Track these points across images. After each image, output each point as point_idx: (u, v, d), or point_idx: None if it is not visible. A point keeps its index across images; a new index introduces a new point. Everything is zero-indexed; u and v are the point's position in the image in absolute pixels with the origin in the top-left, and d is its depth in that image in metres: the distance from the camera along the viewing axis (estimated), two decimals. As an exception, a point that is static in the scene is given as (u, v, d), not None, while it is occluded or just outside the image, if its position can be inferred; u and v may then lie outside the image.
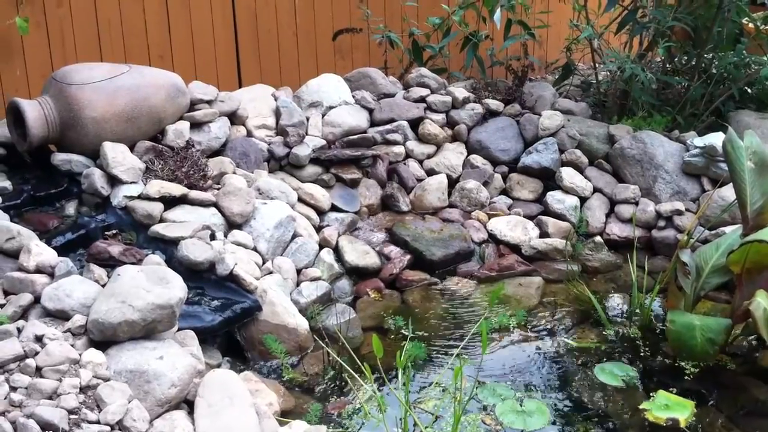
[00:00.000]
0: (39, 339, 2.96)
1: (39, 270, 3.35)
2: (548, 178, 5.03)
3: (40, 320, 3.11)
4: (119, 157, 4.03)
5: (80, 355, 2.93)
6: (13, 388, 2.74)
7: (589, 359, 3.74)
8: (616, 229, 4.76)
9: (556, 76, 6.39)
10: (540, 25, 5.79)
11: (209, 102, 4.62)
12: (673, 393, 3.44)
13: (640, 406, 3.37)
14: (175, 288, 3.14)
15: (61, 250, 3.58)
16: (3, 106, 5.14)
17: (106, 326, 2.99)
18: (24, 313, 3.19)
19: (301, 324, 3.76)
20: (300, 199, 4.51)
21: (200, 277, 3.70)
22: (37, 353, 2.88)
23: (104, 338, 3.03)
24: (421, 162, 5.12)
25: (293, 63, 6.31)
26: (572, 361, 3.75)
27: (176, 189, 4.01)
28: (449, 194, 4.98)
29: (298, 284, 4.11)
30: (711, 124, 5.29)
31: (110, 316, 2.99)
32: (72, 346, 2.98)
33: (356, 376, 3.43)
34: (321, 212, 4.58)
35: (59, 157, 4.05)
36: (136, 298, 3.04)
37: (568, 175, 4.92)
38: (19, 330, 3.02)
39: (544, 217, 4.79)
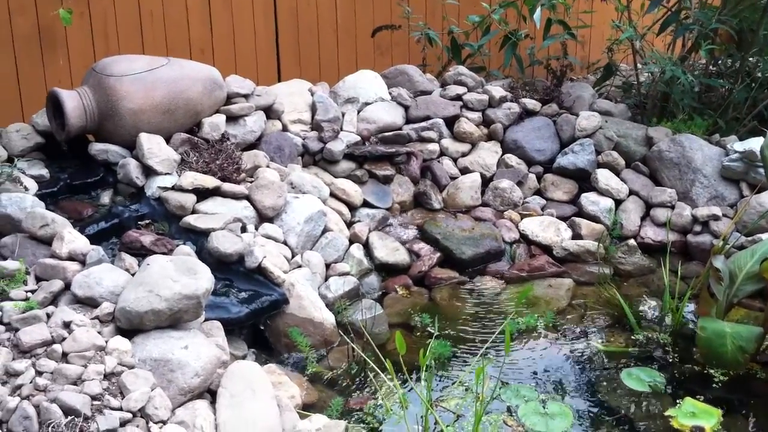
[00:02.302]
0: (67, 325, 3.02)
1: (71, 257, 3.41)
2: (583, 180, 4.98)
3: (70, 307, 3.17)
4: (155, 148, 4.08)
5: (106, 342, 2.98)
6: (39, 373, 2.80)
7: (616, 363, 3.70)
8: (651, 233, 4.69)
9: (598, 76, 6.32)
10: (581, 25, 5.72)
11: (246, 96, 4.65)
12: (701, 401, 3.39)
13: (666, 413, 3.32)
14: (202, 279, 3.17)
15: (95, 239, 3.64)
16: (45, 96, 5.25)
17: (133, 314, 3.04)
18: (54, 299, 3.25)
19: (328, 318, 3.78)
20: (332, 194, 4.53)
21: (229, 268, 3.74)
22: (64, 339, 2.94)
23: (131, 326, 3.08)
24: (455, 160, 5.11)
25: (333, 59, 6.33)
26: (599, 364, 3.71)
27: (209, 181, 4.05)
28: (482, 193, 4.96)
29: (326, 279, 4.13)
30: (753, 129, 5.19)
31: (137, 304, 3.04)
32: (99, 333, 3.03)
33: (380, 372, 3.44)
34: (353, 208, 4.59)
35: (96, 147, 4.12)
36: (163, 288, 3.08)
37: (603, 176, 4.86)
38: (48, 316, 3.08)
39: (577, 219, 4.75)
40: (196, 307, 3.13)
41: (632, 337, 3.91)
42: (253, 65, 5.99)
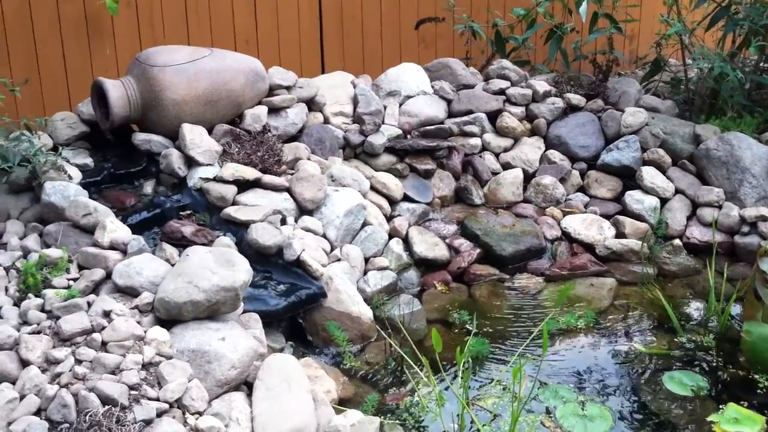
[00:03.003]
0: (107, 314, 3.05)
1: (112, 246, 3.44)
2: (628, 177, 4.89)
3: (110, 296, 3.19)
4: (197, 139, 4.10)
5: (145, 332, 3.00)
6: (78, 361, 2.83)
7: (658, 366, 3.63)
8: (697, 233, 4.60)
9: (646, 71, 6.21)
10: (628, 19, 5.61)
11: (288, 88, 4.65)
12: (744, 406, 3.31)
13: (708, 418, 3.24)
14: (241, 271, 3.18)
15: (137, 228, 3.67)
16: (91, 82, 5.31)
17: (172, 305, 3.05)
18: (95, 288, 3.28)
19: (365, 313, 3.76)
20: (372, 188, 4.50)
21: (268, 261, 3.74)
22: (103, 328, 2.97)
23: (169, 317, 3.09)
24: (497, 155, 5.05)
25: (377, 51, 6.30)
26: (641, 367, 3.65)
27: (250, 173, 4.06)
28: (524, 189, 4.90)
29: (365, 273, 4.12)
30: (804, 128, 5.06)
31: (176, 295, 3.05)
32: (138, 323, 3.05)
33: (416, 368, 3.42)
34: (393, 202, 4.57)
35: (139, 137, 4.15)
36: (202, 279, 3.09)
37: (649, 174, 4.77)
38: (89, 304, 3.11)
39: (621, 217, 4.66)
40: (233, 299, 3.14)
41: (675, 340, 3.83)
42: (296, 57, 5.99)
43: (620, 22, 5.52)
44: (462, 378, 3.20)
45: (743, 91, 5.24)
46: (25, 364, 2.81)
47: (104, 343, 2.92)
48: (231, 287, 3.10)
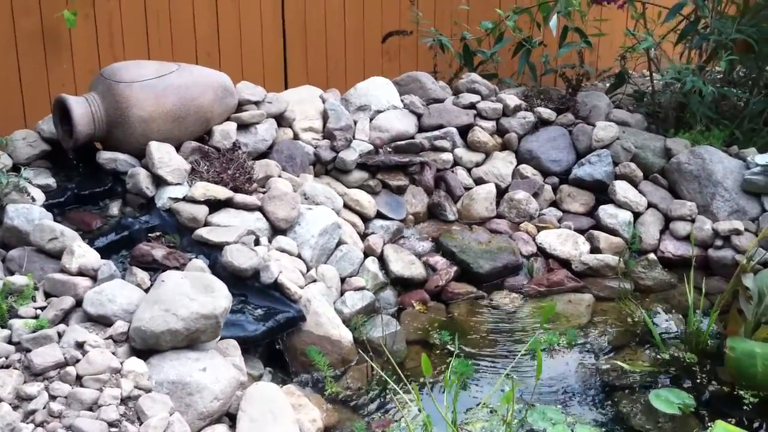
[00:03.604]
0: (80, 346, 2.90)
1: (81, 272, 3.29)
2: (601, 191, 4.87)
3: (81, 325, 3.04)
4: (165, 157, 3.95)
5: (122, 363, 2.86)
6: (53, 397, 2.68)
7: (643, 383, 3.59)
8: (671, 247, 4.59)
9: (608, 84, 6.22)
10: (597, 33, 5.61)
11: (257, 103, 4.53)
12: (732, 423, 3.27)
13: (698, 438, 3.22)
14: (220, 297, 3.06)
15: (104, 251, 3.51)
16: (49, 101, 5.13)
17: (149, 335, 2.92)
18: (65, 317, 3.12)
19: (345, 336, 3.65)
20: (345, 205, 4.40)
21: (244, 284, 3.61)
22: (78, 361, 2.82)
23: (146, 347, 2.95)
24: (469, 170, 4.99)
25: (340, 64, 6.21)
26: (625, 384, 3.60)
27: (221, 192, 3.93)
28: (497, 204, 4.84)
29: (341, 293, 4.01)
30: (771, 141, 5.10)
31: (153, 324, 2.92)
32: (113, 353, 2.91)
33: (401, 392, 3.33)
34: (366, 219, 4.47)
35: (104, 156, 3.99)
36: (180, 307, 2.96)
37: (621, 188, 4.76)
38: (60, 335, 2.96)
39: (595, 232, 4.63)
40: (214, 327, 3.01)
41: (657, 356, 3.80)
42: (260, 68, 5.86)
43: (589, 36, 5.51)
44: (448, 402, 3.11)
45: (711, 104, 5.26)
46: (-6, 401, 2.65)
47: (79, 377, 2.77)
48: (211, 314, 2.98)
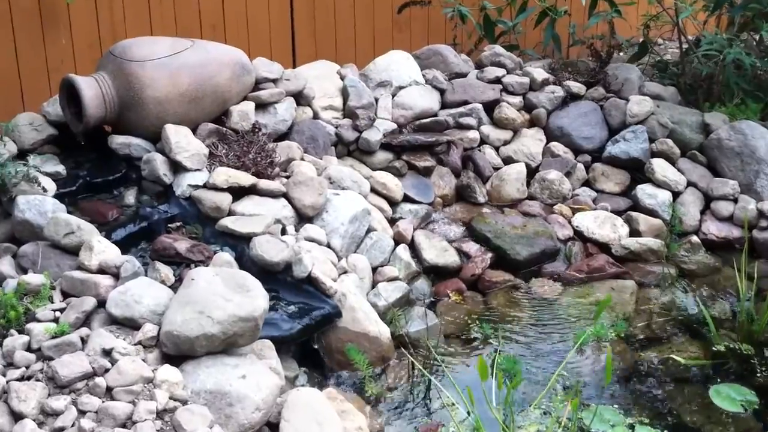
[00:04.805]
0: (107, 353, 2.66)
1: (102, 270, 3.03)
2: (636, 170, 4.62)
3: (106, 329, 2.79)
4: (183, 141, 3.67)
5: (154, 372, 2.61)
6: (82, 413, 2.44)
7: (700, 378, 3.39)
8: (714, 228, 4.36)
9: (629, 54, 5.96)
10: (627, 1, 5.33)
11: (274, 81, 4.25)
12: (801, 422, 3.09)
13: (770, 438, 3.02)
14: (258, 297, 2.81)
15: (122, 245, 3.25)
16: (47, 76, 4.83)
17: (182, 339, 2.67)
18: (86, 320, 2.87)
19: (383, 332, 3.41)
20: (372, 189, 4.14)
21: (274, 278, 3.34)
22: (107, 370, 2.58)
23: (179, 352, 2.72)
24: (497, 149, 4.72)
25: (350, 36, 5.90)
26: (681, 378, 3.40)
27: (245, 178, 3.66)
28: (528, 185, 4.58)
29: (373, 285, 3.76)
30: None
31: (187, 328, 2.67)
32: (143, 360, 2.66)
33: (447, 393, 3.10)
34: (393, 203, 4.21)
35: (118, 140, 3.71)
36: (215, 308, 2.72)
37: (660, 167, 4.51)
38: (84, 340, 2.71)
39: (634, 213, 4.40)
40: (252, 330, 2.77)
41: (711, 347, 3.58)
42: (266, 42, 5.56)
43: (619, 5, 5.23)
44: (501, 401, 2.89)
45: (748, 76, 5.02)
46: (17, 417, 2.41)
47: (109, 389, 2.53)
48: (250, 317, 2.73)
